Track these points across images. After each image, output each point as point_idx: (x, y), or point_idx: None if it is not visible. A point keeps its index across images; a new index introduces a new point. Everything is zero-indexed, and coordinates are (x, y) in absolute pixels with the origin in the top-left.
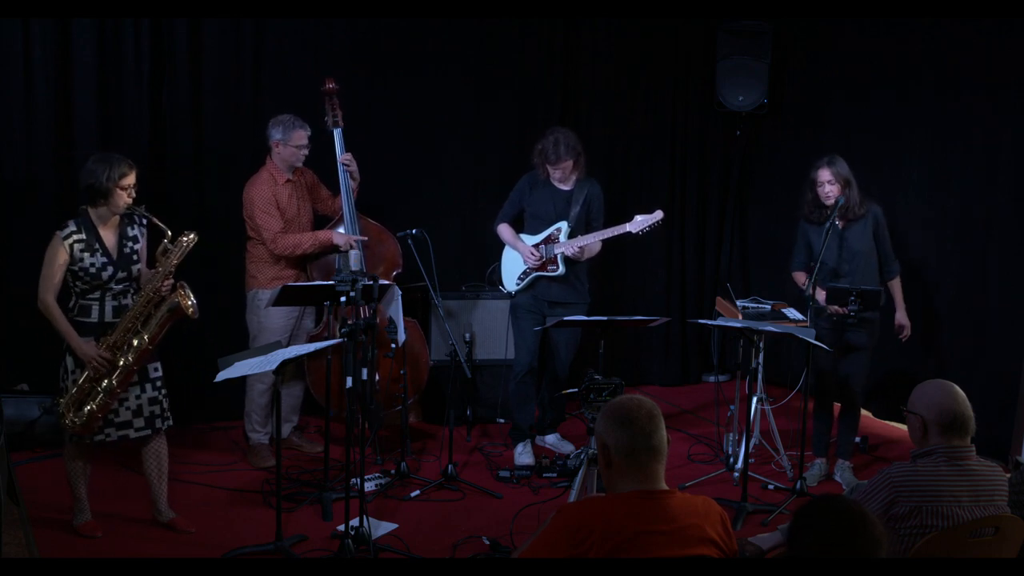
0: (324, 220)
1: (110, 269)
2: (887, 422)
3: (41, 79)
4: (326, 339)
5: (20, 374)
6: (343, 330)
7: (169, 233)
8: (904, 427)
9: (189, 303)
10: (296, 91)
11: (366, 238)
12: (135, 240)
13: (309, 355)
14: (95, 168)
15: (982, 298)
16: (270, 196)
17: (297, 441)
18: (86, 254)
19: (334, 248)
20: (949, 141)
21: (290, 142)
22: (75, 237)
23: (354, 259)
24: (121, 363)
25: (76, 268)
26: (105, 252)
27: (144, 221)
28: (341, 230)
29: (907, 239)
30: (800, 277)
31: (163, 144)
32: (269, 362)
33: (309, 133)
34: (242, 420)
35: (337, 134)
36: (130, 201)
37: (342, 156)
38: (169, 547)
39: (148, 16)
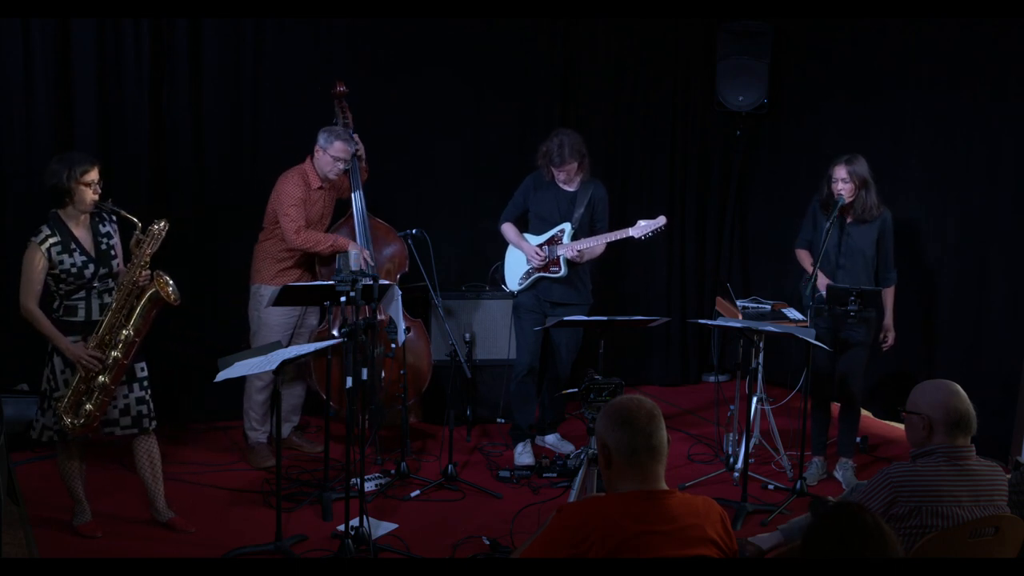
0: (339, 204)
1: (91, 267)
2: (887, 422)
3: (41, 79)
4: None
5: (20, 374)
6: (343, 330)
7: (139, 224)
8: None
9: (169, 290)
10: (296, 91)
11: (369, 256)
12: (109, 236)
13: (314, 354)
14: (57, 168)
15: (982, 298)
16: (300, 194)
17: (297, 441)
18: (64, 255)
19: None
20: (949, 141)
21: (328, 151)
22: (51, 241)
23: (354, 259)
24: (111, 358)
25: (57, 271)
26: (83, 251)
27: (114, 217)
28: (346, 230)
29: (907, 239)
30: (803, 256)
31: (163, 144)
32: (269, 362)
33: (352, 150)
34: (242, 420)
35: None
36: (96, 197)
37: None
38: (169, 547)
39: (148, 16)
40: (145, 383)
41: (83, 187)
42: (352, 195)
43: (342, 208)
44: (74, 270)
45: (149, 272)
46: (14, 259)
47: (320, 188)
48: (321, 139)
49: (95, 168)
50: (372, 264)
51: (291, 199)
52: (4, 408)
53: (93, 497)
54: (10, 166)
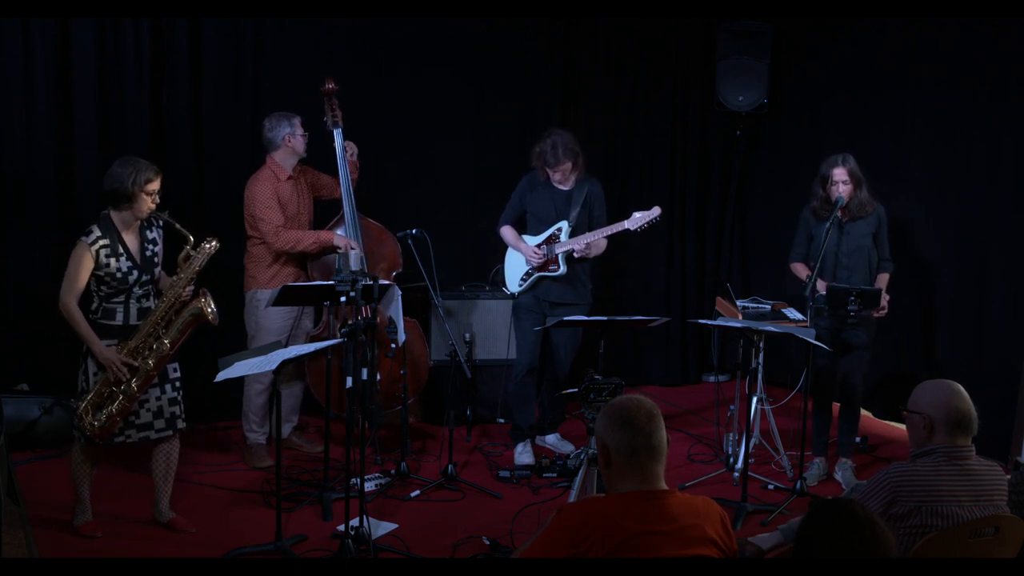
0: (328, 206)
1: (135, 273)
2: (887, 422)
3: (41, 79)
4: (326, 339)
5: (20, 374)
6: (343, 330)
7: (192, 239)
8: (904, 427)
9: (210, 310)
10: (296, 91)
11: (359, 249)
12: (154, 243)
13: (309, 355)
14: (121, 172)
15: (982, 298)
16: (272, 192)
17: (297, 441)
18: (112, 259)
19: (333, 248)
20: (949, 141)
21: (297, 131)
22: (101, 242)
23: (354, 259)
24: (143, 366)
25: (101, 273)
26: (129, 256)
27: (160, 224)
28: (341, 231)
29: (907, 239)
30: (799, 269)
31: (163, 144)
32: (269, 362)
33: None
34: (242, 420)
35: (337, 134)
36: (154, 207)
37: (345, 145)
38: (169, 547)
39: (148, 16)
40: (177, 383)
41: (144, 195)
42: (343, 199)
43: (333, 210)
44: (119, 275)
45: (193, 288)
46: (14, 259)
47: (290, 178)
48: (287, 128)
49: (158, 178)
50: (363, 257)
51: (263, 200)
52: (4, 408)
53: (94, 498)
54: (10, 166)
